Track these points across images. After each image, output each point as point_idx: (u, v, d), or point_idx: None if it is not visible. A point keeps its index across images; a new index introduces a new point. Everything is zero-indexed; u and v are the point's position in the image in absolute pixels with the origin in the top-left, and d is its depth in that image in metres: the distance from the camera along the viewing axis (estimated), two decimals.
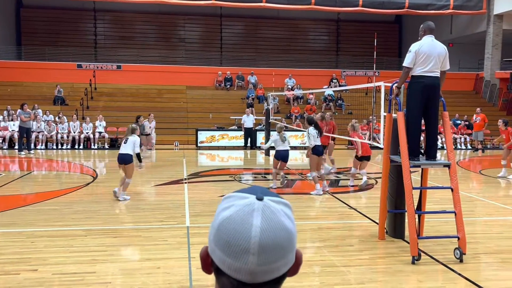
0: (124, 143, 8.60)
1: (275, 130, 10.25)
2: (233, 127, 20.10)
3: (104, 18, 28.16)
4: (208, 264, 0.90)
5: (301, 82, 24.28)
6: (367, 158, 10.11)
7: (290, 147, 10.23)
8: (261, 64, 26.16)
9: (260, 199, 0.87)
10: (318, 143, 9.22)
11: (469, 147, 20.40)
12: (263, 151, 16.26)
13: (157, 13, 27.59)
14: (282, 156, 9.76)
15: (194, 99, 23.15)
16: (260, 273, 0.84)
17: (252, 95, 22.86)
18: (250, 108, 20.18)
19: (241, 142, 18.94)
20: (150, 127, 16.99)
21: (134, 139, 8.55)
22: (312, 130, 9.18)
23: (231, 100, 23.31)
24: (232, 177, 11.69)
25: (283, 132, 9.82)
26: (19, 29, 27.18)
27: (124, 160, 8.51)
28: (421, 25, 6.02)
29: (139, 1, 21.99)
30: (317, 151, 9.19)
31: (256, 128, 19.21)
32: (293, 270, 0.91)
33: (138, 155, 8.69)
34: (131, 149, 8.50)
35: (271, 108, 17.92)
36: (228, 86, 24.44)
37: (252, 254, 0.83)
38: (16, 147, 16.77)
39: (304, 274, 5.00)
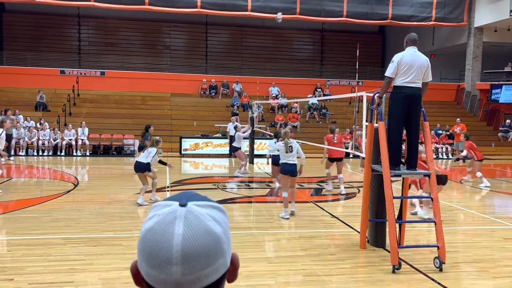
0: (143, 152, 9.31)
1: (268, 138, 10.28)
2: (217, 135, 20.07)
3: (88, 24, 27.96)
4: (139, 279, 0.86)
5: (286, 90, 24.40)
6: (339, 160, 10.60)
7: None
8: (246, 72, 26.22)
9: (183, 205, 0.84)
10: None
11: (450, 156, 20.69)
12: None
13: (142, 20, 27.50)
14: (288, 171, 8.09)
15: (178, 106, 23.08)
16: (187, 283, 0.80)
17: (237, 103, 22.88)
18: (235, 116, 20.20)
19: (225, 150, 18.90)
20: None
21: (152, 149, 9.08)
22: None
23: (216, 108, 23.29)
24: (215, 185, 11.64)
25: (288, 139, 8.08)
26: (1, 34, 26.79)
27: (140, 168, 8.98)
28: (406, 37, 6.11)
29: (124, 8, 21.89)
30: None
31: None
32: (231, 275, 0.88)
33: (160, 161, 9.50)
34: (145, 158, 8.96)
35: (256, 116, 17.94)
36: (213, 94, 24.43)
37: (175, 265, 0.79)
38: None
39: (286, 283, 4.99)
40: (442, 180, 8.24)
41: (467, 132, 14.26)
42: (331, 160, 10.74)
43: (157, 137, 9.46)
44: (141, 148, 13.05)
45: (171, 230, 0.81)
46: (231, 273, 0.88)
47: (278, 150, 8.39)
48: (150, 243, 0.82)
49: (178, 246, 0.80)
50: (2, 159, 15.50)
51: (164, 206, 0.86)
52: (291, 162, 8.03)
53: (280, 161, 8.24)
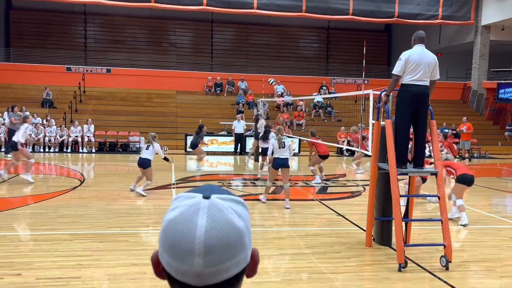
0: (146, 149, 9.60)
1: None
2: (222, 133, 20.10)
3: (94, 22, 28.04)
4: (159, 269, 0.86)
5: (291, 88, 24.38)
6: (325, 157, 11.63)
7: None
8: (252, 70, 26.22)
9: (206, 197, 0.84)
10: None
11: (457, 156, 20.58)
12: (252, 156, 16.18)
13: (148, 18, 27.56)
14: (280, 165, 8.63)
15: (183, 104, 23.11)
16: (208, 275, 0.80)
17: (242, 101, 22.88)
18: (241, 114, 20.22)
19: (230, 148, 18.92)
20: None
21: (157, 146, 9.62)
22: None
23: (221, 106, 23.31)
24: (221, 182, 11.66)
25: (281, 135, 8.69)
26: (8, 31, 26.94)
27: (143, 164, 9.49)
28: (413, 34, 6.08)
29: (130, 5, 21.93)
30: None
31: (246, 134, 19.23)
32: (251, 270, 0.88)
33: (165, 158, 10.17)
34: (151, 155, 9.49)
35: (261, 114, 17.92)
36: (218, 92, 24.45)
37: (197, 256, 0.79)
38: (3, 149, 16.60)
39: (291, 281, 4.99)
40: (468, 181, 7.70)
41: (446, 132, 15.60)
42: (322, 157, 11.65)
43: (152, 133, 9.85)
44: (194, 145, 13.40)
45: (194, 222, 0.81)
46: (251, 268, 0.88)
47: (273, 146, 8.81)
48: (173, 234, 0.82)
49: (200, 238, 0.80)
50: (9, 155, 15.61)
51: (187, 197, 0.86)
52: (283, 156, 8.59)
53: (273, 156, 8.76)
